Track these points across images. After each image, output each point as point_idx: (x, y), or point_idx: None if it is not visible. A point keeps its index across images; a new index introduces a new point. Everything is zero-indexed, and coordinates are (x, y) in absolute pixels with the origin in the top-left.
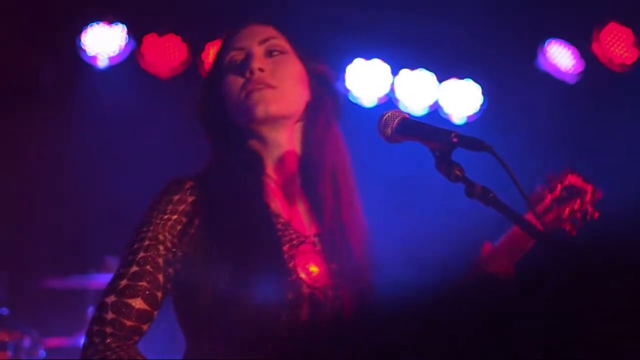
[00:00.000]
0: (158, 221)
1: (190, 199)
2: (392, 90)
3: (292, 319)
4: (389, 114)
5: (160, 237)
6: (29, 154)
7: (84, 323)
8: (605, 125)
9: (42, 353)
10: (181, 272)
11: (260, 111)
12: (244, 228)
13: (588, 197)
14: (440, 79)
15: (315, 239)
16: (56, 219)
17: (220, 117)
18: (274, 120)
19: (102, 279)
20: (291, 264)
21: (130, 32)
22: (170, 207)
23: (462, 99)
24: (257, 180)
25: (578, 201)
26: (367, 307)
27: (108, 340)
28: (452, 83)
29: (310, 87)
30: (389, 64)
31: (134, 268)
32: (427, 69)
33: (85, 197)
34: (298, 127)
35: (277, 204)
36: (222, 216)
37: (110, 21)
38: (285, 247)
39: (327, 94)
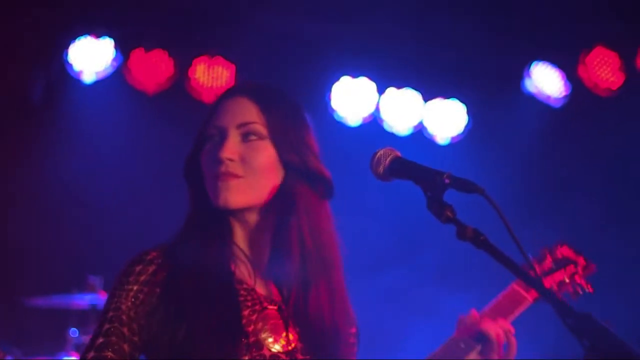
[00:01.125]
0: (121, 292)
1: (151, 269)
2: (377, 109)
3: None
4: (382, 152)
5: (123, 308)
6: (13, 170)
7: (65, 343)
8: (591, 148)
9: None
10: (145, 339)
11: (221, 201)
12: (204, 290)
13: (580, 269)
14: (426, 98)
15: (283, 306)
16: (39, 237)
17: (198, 181)
18: (235, 210)
19: (84, 299)
20: (250, 328)
21: (117, 47)
22: (132, 277)
23: (447, 119)
24: (224, 247)
25: (569, 271)
26: None
27: None
28: (438, 103)
29: (282, 173)
30: (375, 82)
31: (100, 339)
32: (413, 87)
33: (69, 214)
34: (271, 208)
35: (242, 271)
36: (184, 279)
37: (98, 35)
38: (246, 312)
39: (301, 179)
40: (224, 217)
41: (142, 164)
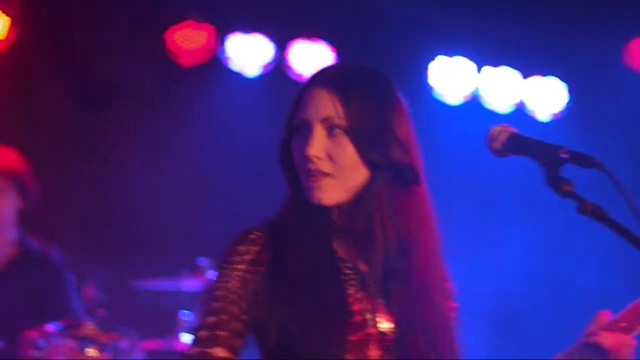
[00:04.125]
0: (227, 272)
1: (255, 249)
2: (476, 88)
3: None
4: (498, 128)
5: (230, 287)
6: (123, 152)
7: (176, 326)
8: None
9: (139, 355)
10: (253, 318)
11: (315, 199)
12: (308, 270)
13: None
14: (524, 75)
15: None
16: (149, 219)
17: (292, 170)
18: (329, 206)
19: (194, 282)
20: (356, 307)
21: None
22: (237, 257)
23: (546, 96)
24: (324, 228)
25: None
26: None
27: None
28: (536, 80)
29: (366, 168)
30: (472, 60)
31: (211, 318)
32: (510, 65)
33: (178, 197)
34: (358, 202)
35: (343, 249)
36: (288, 259)
37: (197, 20)
38: (351, 290)
39: (383, 172)
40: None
41: (250, 149)
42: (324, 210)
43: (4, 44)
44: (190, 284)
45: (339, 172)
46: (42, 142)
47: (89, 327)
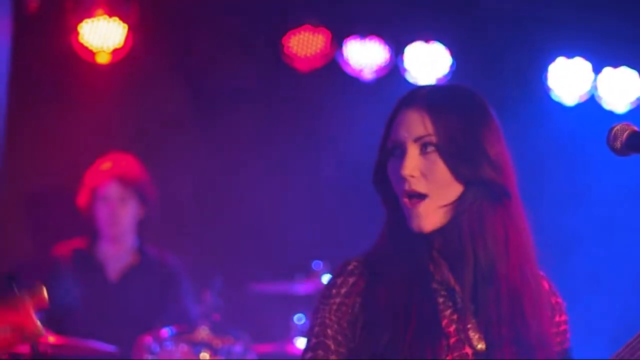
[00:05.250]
0: (325, 307)
1: (351, 280)
2: (594, 88)
3: None
4: (618, 127)
5: (327, 322)
6: (241, 157)
7: (290, 330)
8: None
9: (253, 358)
10: (350, 349)
11: (415, 226)
12: (403, 295)
13: None
14: None
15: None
16: (265, 223)
17: (389, 192)
18: (428, 233)
19: (308, 285)
20: (452, 328)
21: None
22: (334, 290)
23: None
24: (422, 253)
25: None
26: None
27: None
28: None
29: (458, 185)
30: (590, 62)
31: (309, 354)
32: (629, 66)
33: (294, 201)
34: (453, 224)
35: (442, 272)
36: (383, 286)
37: (314, 25)
38: (447, 312)
39: (474, 190)
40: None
41: (367, 151)
42: (423, 236)
43: (122, 51)
44: (304, 287)
45: (433, 190)
46: (160, 149)
47: (204, 332)
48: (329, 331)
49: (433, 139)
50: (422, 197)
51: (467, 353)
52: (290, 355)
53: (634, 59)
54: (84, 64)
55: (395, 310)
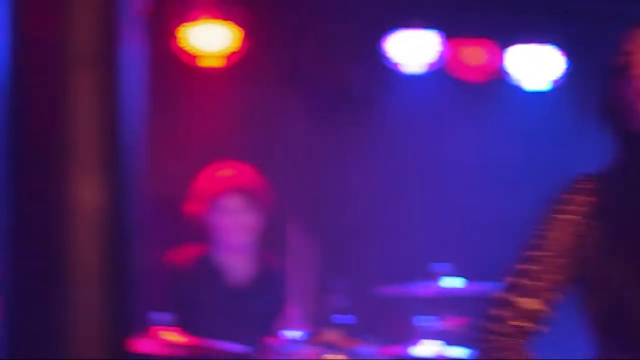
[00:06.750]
0: (557, 221)
1: (591, 200)
2: None
3: None
4: None
5: (558, 236)
6: (356, 159)
7: (409, 332)
8: None
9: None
10: (579, 272)
11: None
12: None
13: None
14: None
15: None
16: (387, 225)
17: (618, 118)
18: None
19: (427, 287)
20: None
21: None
22: (571, 207)
23: None
24: None
25: None
26: None
27: (491, 338)
28: None
29: None
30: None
31: (527, 266)
32: None
33: (414, 203)
34: None
35: None
36: (620, 215)
37: (419, 27)
38: None
39: None
40: None
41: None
42: None
43: (237, 55)
44: (424, 290)
45: None
46: (274, 155)
47: (331, 334)
48: (558, 247)
49: None
50: None
51: None
52: (415, 358)
53: None
54: (190, 69)
55: (631, 241)
